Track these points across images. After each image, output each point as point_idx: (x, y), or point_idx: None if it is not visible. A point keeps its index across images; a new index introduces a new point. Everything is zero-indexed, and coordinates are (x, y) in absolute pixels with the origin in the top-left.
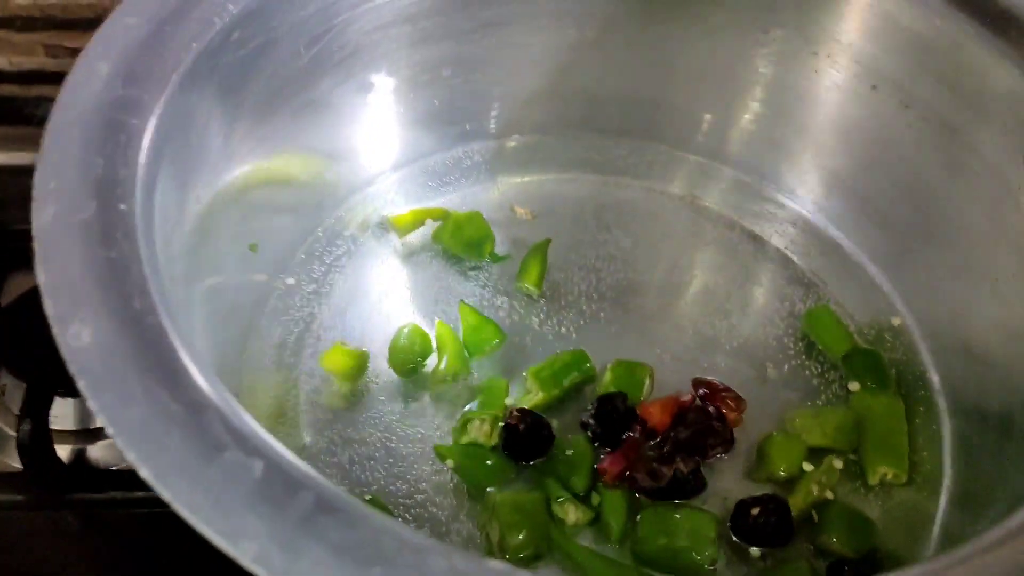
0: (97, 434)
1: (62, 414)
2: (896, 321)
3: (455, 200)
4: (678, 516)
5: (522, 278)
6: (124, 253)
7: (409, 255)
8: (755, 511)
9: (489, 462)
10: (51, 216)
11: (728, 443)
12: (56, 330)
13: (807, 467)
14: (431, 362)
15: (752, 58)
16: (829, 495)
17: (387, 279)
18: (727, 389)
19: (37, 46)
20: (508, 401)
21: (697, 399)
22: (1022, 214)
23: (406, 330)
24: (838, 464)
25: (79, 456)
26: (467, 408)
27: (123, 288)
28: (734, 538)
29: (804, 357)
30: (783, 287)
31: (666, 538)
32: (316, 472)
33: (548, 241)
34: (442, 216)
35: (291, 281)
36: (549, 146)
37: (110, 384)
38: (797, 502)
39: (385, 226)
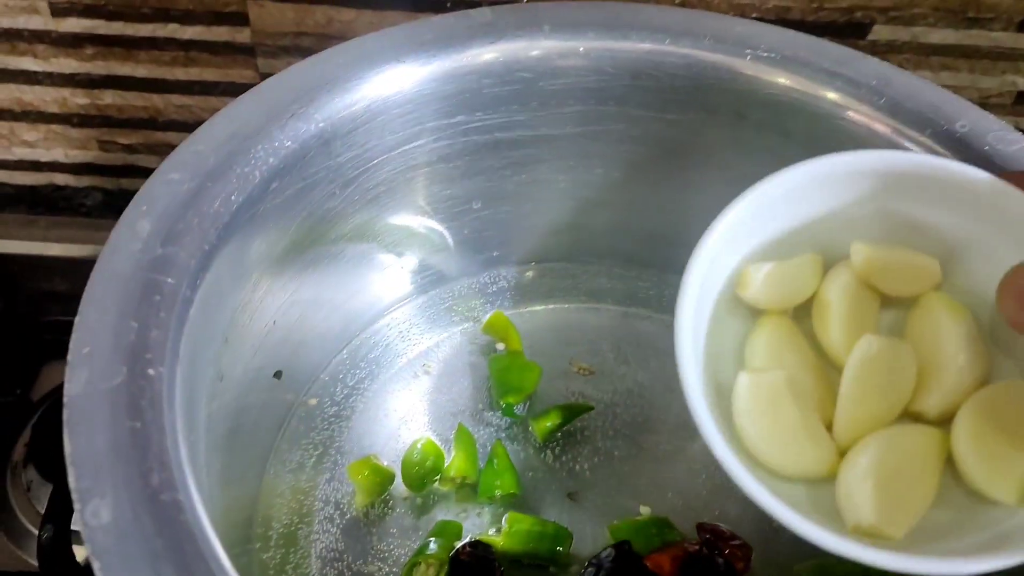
0: None
1: None
2: None
3: (480, 325)
4: None
5: (536, 423)
6: (148, 423)
7: (435, 380)
8: None
9: None
10: (83, 383)
11: None
12: (77, 506)
13: None
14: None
15: None
16: None
17: (409, 404)
18: (734, 536)
19: (92, 141)
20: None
21: (703, 547)
22: None
23: (420, 444)
24: None
25: None
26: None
27: (144, 461)
28: None
29: None
30: None
31: None
32: None
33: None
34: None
35: (313, 402)
36: (574, 274)
37: (123, 569)
38: None
39: (409, 347)
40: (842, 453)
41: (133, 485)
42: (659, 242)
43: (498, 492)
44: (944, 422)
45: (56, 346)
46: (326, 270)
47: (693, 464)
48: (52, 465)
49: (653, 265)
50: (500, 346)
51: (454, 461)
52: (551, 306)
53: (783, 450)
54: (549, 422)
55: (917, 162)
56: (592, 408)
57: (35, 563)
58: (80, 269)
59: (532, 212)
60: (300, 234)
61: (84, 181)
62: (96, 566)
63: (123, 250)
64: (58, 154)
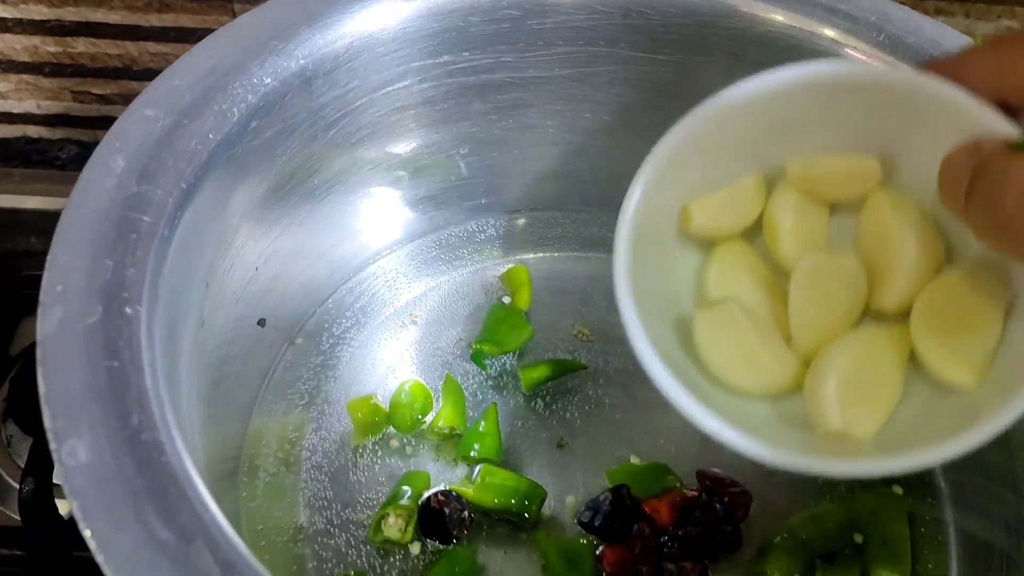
0: None
1: None
2: None
3: (467, 274)
4: None
5: (524, 373)
6: (126, 362)
7: (423, 329)
8: None
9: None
10: (56, 322)
11: (736, 544)
12: (53, 445)
13: None
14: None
15: None
16: None
17: (396, 353)
18: (734, 483)
19: (65, 91)
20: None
21: (703, 494)
22: None
23: (407, 386)
24: None
25: None
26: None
27: (122, 401)
28: None
29: None
30: None
31: None
32: None
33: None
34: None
35: (299, 351)
36: (563, 223)
37: (102, 509)
38: None
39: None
40: (806, 365)
41: (111, 425)
42: None
43: (474, 454)
44: (906, 317)
45: (33, 301)
46: (309, 217)
47: None
48: (31, 419)
49: None
50: (507, 299)
51: (442, 411)
52: (540, 255)
53: (747, 371)
54: (537, 374)
55: (844, 70)
56: (585, 367)
57: (17, 517)
58: (56, 223)
59: (520, 158)
60: (281, 178)
61: (58, 133)
62: (75, 506)
63: (97, 187)
64: (30, 105)
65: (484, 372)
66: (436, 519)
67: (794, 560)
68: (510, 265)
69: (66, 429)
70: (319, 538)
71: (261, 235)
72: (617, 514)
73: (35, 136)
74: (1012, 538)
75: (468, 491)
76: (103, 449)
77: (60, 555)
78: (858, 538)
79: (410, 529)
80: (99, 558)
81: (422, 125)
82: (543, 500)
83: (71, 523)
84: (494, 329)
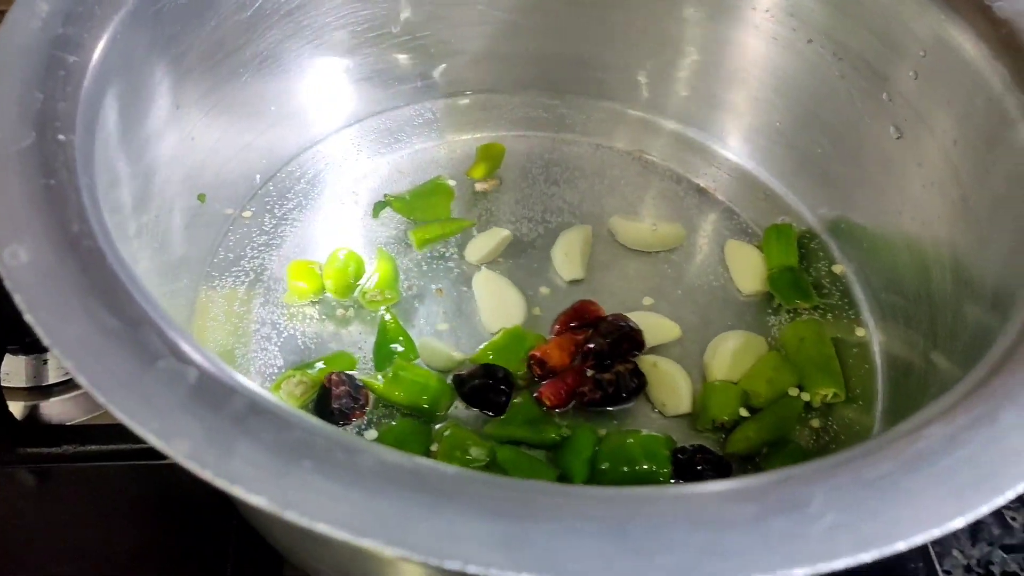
0: (50, 391)
1: (14, 371)
2: (838, 269)
3: (407, 156)
4: (632, 441)
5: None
6: (63, 182)
7: (364, 210)
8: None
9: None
10: None
11: (641, 345)
12: None
13: (744, 412)
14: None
15: (687, 14)
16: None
17: (339, 233)
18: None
19: None
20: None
21: (583, 326)
22: (949, 161)
23: (342, 253)
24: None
25: (32, 413)
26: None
27: (62, 213)
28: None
29: (744, 302)
30: (726, 238)
31: (627, 466)
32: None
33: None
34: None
35: (243, 229)
36: (499, 104)
37: (47, 301)
38: (737, 447)
39: (339, 178)
40: None
41: (52, 233)
42: (581, 66)
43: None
44: None
45: None
46: (244, 91)
47: (626, 270)
48: None
49: (578, 91)
50: (452, 181)
51: (373, 276)
52: (479, 135)
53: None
54: (428, 235)
55: None
56: (474, 224)
57: None
58: None
59: (453, 39)
60: (211, 45)
61: None
62: (18, 299)
63: (23, 27)
64: None
65: (420, 256)
66: (323, 400)
67: (729, 394)
68: (448, 147)
69: (6, 236)
70: None
71: (194, 103)
72: (485, 388)
73: None
74: (927, 353)
75: (377, 384)
76: (45, 252)
77: (14, 452)
78: (793, 391)
79: (304, 400)
80: (46, 341)
81: (351, 2)
82: (450, 401)
83: (24, 422)
84: (416, 193)
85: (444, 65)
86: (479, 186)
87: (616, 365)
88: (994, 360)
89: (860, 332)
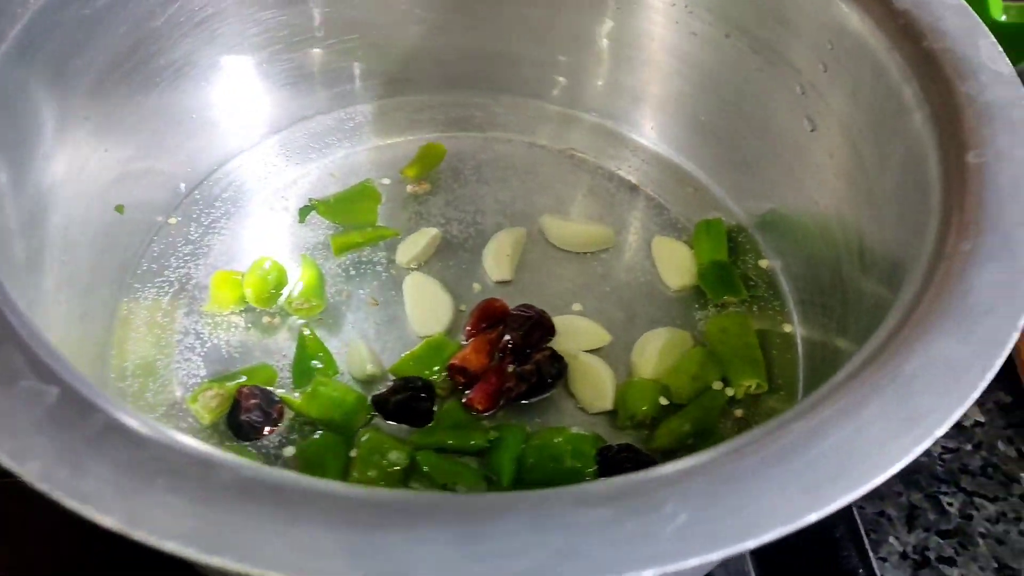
0: None
1: None
2: (764, 263)
3: (337, 160)
4: (560, 440)
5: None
6: None
7: (294, 216)
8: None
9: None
10: None
11: (552, 330)
12: None
13: (664, 402)
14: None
15: (606, 9)
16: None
17: (268, 240)
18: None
19: None
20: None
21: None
22: (856, 151)
23: (266, 263)
24: None
25: None
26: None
27: None
28: None
29: (671, 298)
30: (655, 234)
31: (554, 463)
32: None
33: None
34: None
35: (167, 239)
36: (430, 105)
37: None
38: (662, 441)
39: (266, 186)
40: None
41: None
42: (504, 64)
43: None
44: None
45: None
46: (160, 100)
47: (556, 269)
48: None
49: (506, 89)
50: (386, 180)
51: (297, 285)
52: (411, 137)
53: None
54: (348, 242)
55: None
56: (397, 234)
57: None
58: None
59: (379, 40)
60: (122, 53)
61: None
62: None
63: None
64: None
65: (346, 264)
66: (233, 413)
67: (648, 390)
68: (378, 151)
69: None
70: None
71: (106, 115)
72: (412, 398)
73: None
74: (837, 340)
75: (294, 399)
76: None
77: None
78: (717, 385)
79: (218, 413)
80: None
81: (272, 3)
82: (366, 416)
83: None
84: (342, 197)
85: (373, 67)
86: (411, 188)
87: (534, 355)
88: (872, 348)
89: (785, 325)
